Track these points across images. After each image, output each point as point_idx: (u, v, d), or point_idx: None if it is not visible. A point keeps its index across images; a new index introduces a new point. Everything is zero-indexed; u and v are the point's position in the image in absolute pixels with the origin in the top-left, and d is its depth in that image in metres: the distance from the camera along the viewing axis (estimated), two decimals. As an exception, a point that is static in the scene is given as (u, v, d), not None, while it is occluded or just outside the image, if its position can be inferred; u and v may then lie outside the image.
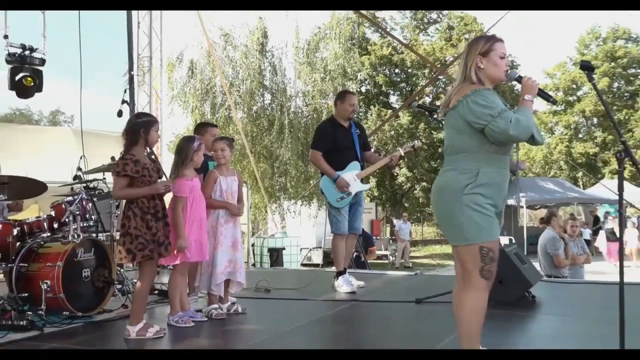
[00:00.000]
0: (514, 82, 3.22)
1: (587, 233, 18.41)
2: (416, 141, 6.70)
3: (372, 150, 6.76)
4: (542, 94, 3.14)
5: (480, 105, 2.93)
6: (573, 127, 39.14)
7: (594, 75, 3.09)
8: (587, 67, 3.04)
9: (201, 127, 5.93)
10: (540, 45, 67.05)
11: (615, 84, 38.77)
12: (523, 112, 2.95)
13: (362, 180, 6.12)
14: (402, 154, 6.31)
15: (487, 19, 34.86)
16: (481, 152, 2.98)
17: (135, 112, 7.43)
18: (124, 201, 4.38)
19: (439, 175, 3.13)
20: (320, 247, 18.39)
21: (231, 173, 5.01)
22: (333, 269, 6.43)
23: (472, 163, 2.98)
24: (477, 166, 2.97)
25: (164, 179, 4.60)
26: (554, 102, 3.56)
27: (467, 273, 3.01)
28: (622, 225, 3.45)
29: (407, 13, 32.35)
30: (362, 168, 6.17)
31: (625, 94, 38.77)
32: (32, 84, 7.25)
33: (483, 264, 2.95)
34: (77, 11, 8.22)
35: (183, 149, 4.66)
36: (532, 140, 3.05)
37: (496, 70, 3.07)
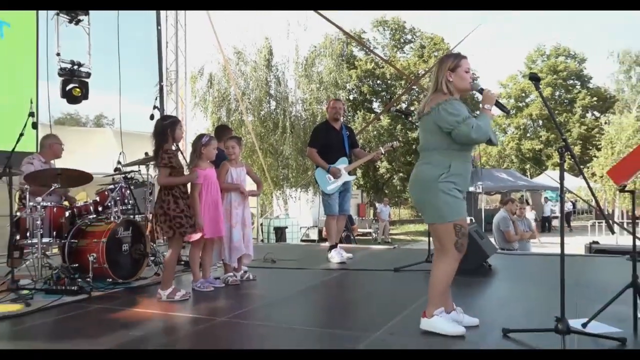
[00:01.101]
0: (475, 92, 3.19)
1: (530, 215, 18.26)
2: (395, 142, 6.67)
3: (359, 147, 6.74)
4: (499, 105, 3.13)
5: (449, 113, 2.93)
6: (522, 128, 39.22)
7: (539, 85, 3.08)
8: (534, 78, 3.02)
9: (220, 131, 5.90)
10: (494, 61, 67.07)
11: (557, 93, 38.89)
12: (483, 119, 2.96)
13: (349, 173, 6.12)
14: (383, 152, 6.32)
15: (452, 39, 34.82)
16: (450, 150, 2.98)
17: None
18: (159, 188, 4.35)
19: (417, 167, 3.11)
20: (316, 226, 18.40)
21: (240, 165, 4.97)
22: (327, 243, 6.43)
23: (444, 158, 2.98)
24: (449, 160, 2.98)
25: (187, 170, 4.60)
26: (508, 113, 3.57)
27: (444, 247, 3.01)
28: (563, 208, 3.41)
29: (387, 34, 32.38)
30: (350, 163, 6.17)
31: (565, 101, 38.92)
32: (80, 93, 7.26)
33: (457, 238, 2.96)
34: (117, 33, 8.21)
35: (196, 145, 4.67)
36: (490, 142, 3.09)
37: (462, 82, 3.04)
